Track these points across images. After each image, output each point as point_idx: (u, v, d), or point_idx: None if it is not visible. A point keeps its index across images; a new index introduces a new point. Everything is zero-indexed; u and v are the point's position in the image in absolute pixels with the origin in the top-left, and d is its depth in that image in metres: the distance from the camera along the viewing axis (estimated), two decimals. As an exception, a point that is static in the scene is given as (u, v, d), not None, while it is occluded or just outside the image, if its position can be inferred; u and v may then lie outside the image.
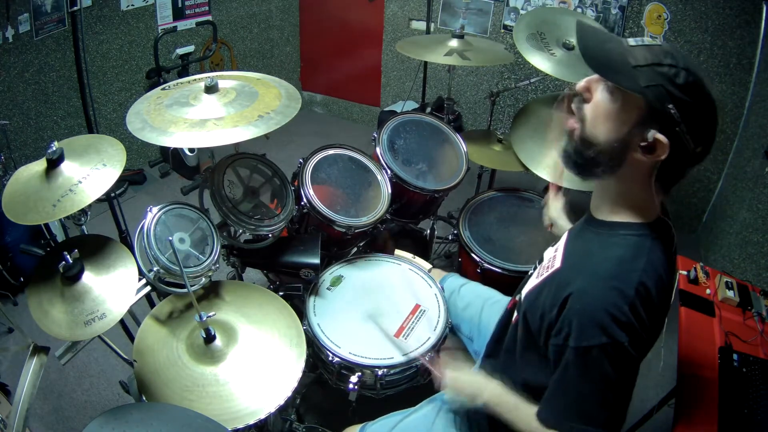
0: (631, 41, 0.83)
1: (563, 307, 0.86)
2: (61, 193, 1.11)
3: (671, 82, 0.77)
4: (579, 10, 2.93)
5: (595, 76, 0.85)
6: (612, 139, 0.84)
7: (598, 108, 0.85)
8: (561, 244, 1.02)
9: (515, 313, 1.09)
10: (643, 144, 0.81)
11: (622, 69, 0.80)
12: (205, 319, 1.13)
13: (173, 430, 0.88)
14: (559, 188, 1.45)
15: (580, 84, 0.87)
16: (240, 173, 1.47)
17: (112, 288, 1.14)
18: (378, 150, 1.83)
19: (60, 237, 2.16)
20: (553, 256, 1.01)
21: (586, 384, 0.84)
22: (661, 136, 0.78)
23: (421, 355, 1.36)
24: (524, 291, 1.06)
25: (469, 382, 1.09)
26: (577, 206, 1.33)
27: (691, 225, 2.91)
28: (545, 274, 0.99)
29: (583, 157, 0.88)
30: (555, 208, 1.40)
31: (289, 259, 1.53)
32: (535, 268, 1.11)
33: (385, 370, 1.35)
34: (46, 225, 2.10)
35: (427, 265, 1.71)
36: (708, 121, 0.81)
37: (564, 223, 1.35)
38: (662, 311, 0.88)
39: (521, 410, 0.96)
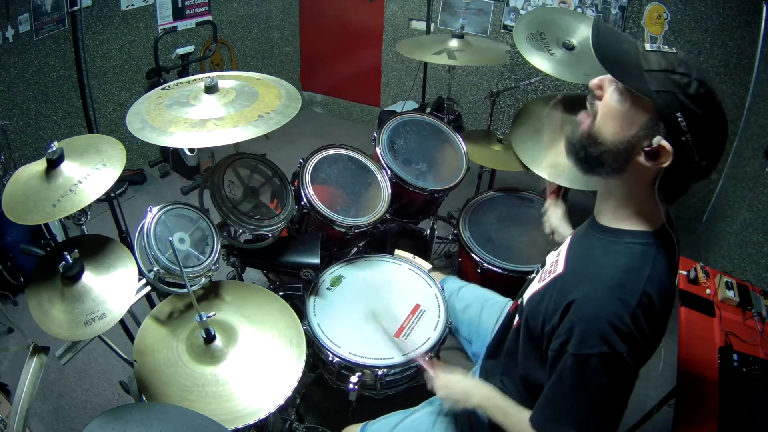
0: (647, 46, 0.82)
1: (565, 314, 0.86)
2: (61, 193, 1.10)
3: (682, 90, 0.76)
4: (579, 10, 2.93)
5: (609, 75, 0.84)
6: (617, 140, 0.83)
7: (607, 107, 0.85)
8: (563, 248, 1.01)
9: (517, 317, 1.09)
10: (647, 149, 0.80)
11: (634, 71, 0.80)
12: (205, 319, 1.13)
13: (173, 430, 0.88)
14: (557, 195, 1.45)
15: (593, 81, 0.87)
16: (240, 173, 1.47)
17: (112, 288, 1.13)
18: (378, 150, 1.83)
19: (60, 237, 2.15)
20: (556, 261, 1.00)
21: (582, 391, 0.84)
22: (665, 143, 0.78)
23: (421, 355, 1.36)
24: (526, 295, 1.06)
25: (460, 385, 1.09)
26: (578, 211, 1.32)
27: (691, 225, 2.90)
28: (547, 279, 0.98)
29: (587, 153, 0.88)
30: (555, 216, 1.39)
31: (289, 259, 1.54)
32: (537, 272, 1.11)
33: (385, 370, 1.35)
34: (46, 225, 2.10)
35: (427, 265, 1.71)
36: (716, 136, 0.80)
37: (565, 231, 1.34)
38: (664, 321, 0.87)
39: (513, 415, 0.97)
